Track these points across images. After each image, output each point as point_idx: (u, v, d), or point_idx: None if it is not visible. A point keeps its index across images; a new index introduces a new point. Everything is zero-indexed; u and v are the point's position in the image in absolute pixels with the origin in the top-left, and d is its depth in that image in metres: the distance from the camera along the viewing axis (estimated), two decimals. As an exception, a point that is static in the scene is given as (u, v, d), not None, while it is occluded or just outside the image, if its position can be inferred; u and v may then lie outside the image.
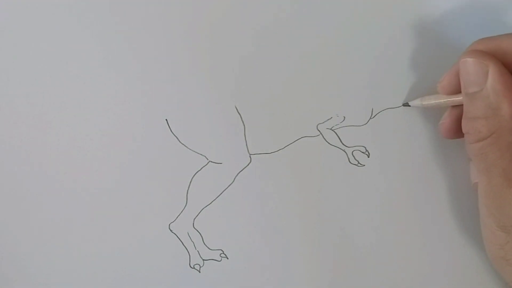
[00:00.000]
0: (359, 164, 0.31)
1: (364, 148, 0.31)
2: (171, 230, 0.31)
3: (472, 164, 0.29)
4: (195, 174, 0.31)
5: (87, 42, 0.30)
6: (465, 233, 0.31)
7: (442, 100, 0.29)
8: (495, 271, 0.29)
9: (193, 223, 0.31)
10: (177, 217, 0.31)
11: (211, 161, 0.31)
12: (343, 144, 0.31)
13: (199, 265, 0.31)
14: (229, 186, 0.31)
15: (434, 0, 0.30)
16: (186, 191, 0.31)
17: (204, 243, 0.31)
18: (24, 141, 0.31)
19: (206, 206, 0.31)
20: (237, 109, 0.31)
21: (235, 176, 0.31)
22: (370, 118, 0.31)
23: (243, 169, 0.31)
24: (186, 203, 0.31)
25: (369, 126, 0.31)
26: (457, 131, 0.28)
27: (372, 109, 0.31)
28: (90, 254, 0.31)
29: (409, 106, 0.30)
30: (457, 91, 0.27)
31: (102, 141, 0.31)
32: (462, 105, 0.27)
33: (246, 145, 0.31)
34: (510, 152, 0.25)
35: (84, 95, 0.31)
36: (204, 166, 0.31)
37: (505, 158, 0.25)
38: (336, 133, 0.31)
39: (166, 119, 0.31)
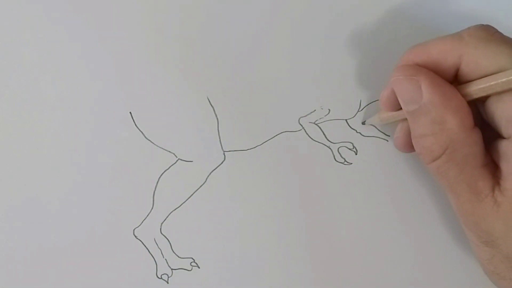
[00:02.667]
0: (345, 162, 0.30)
1: (351, 144, 0.30)
2: (135, 236, 0.30)
3: None
4: (163, 173, 0.30)
5: (47, 33, 0.30)
6: (460, 235, 0.30)
7: (385, 116, 0.28)
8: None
9: (161, 229, 0.30)
10: (142, 222, 0.30)
11: (181, 159, 0.30)
12: (328, 140, 0.30)
13: (167, 275, 0.30)
14: (200, 186, 0.30)
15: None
16: (152, 193, 0.30)
17: (173, 251, 0.30)
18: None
19: (175, 210, 0.30)
20: (209, 101, 0.30)
21: (207, 176, 0.30)
22: (358, 111, 0.30)
23: (216, 168, 0.30)
24: (153, 206, 0.30)
25: (357, 120, 0.30)
26: (412, 146, 0.27)
27: (360, 101, 0.30)
28: (44, 262, 0.30)
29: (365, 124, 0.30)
30: (399, 106, 0.27)
31: (57, 135, 0.30)
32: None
33: (220, 141, 0.30)
34: (470, 165, 0.24)
35: (40, 84, 0.30)
36: (172, 165, 0.30)
37: (466, 173, 0.25)
38: (320, 127, 0.30)
39: (130, 112, 0.30)
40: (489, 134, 0.25)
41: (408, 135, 0.27)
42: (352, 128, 0.30)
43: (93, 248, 0.30)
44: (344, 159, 0.30)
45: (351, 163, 0.30)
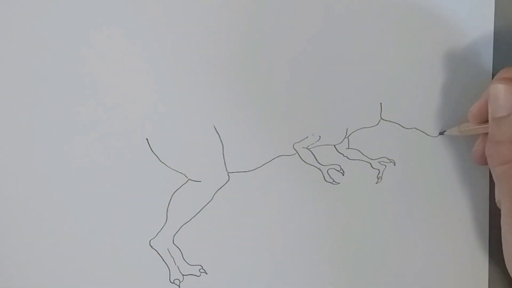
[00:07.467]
0: (334, 182, 0.32)
1: (339, 166, 0.32)
2: (151, 247, 0.31)
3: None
4: (175, 191, 0.31)
5: (61, 66, 0.31)
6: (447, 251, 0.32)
7: (465, 129, 0.29)
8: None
9: (173, 240, 0.31)
10: (157, 234, 0.31)
11: (191, 179, 0.31)
12: (318, 162, 0.32)
13: (179, 280, 0.31)
14: (208, 203, 0.31)
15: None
16: (166, 208, 0.31)
17: (184, 259, 0.31)
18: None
19: (186, 223, 0.31)
20: (215, 129, 0.31)
21: (214, 194, 0.31)
22: (345, 137, 0.32)
23: (222, 187, 0.31)
24: (166, 220, 0.31)
25: (344, 145, 0.32)
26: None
27: (347, 129, 0.32)
28: (70, 270, 0.31)
29: (444, 134, 0.31)
30: (487, 119, 0.28)
31: (82, 159, 0.31)
32: None
33: (225, 163, 0.31)
34: None
35: (64, 111, 0.31)
36: (183, 184, 0.31)
37: None
38: (312, 152, 0.32)
39: (147, 139, 0.31)
40: None
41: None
42: (340, 152, 0.31)
43: (114, 257, 0.31)
44: (333, 179, 0.32)
45: (339, 183, 0.32)
